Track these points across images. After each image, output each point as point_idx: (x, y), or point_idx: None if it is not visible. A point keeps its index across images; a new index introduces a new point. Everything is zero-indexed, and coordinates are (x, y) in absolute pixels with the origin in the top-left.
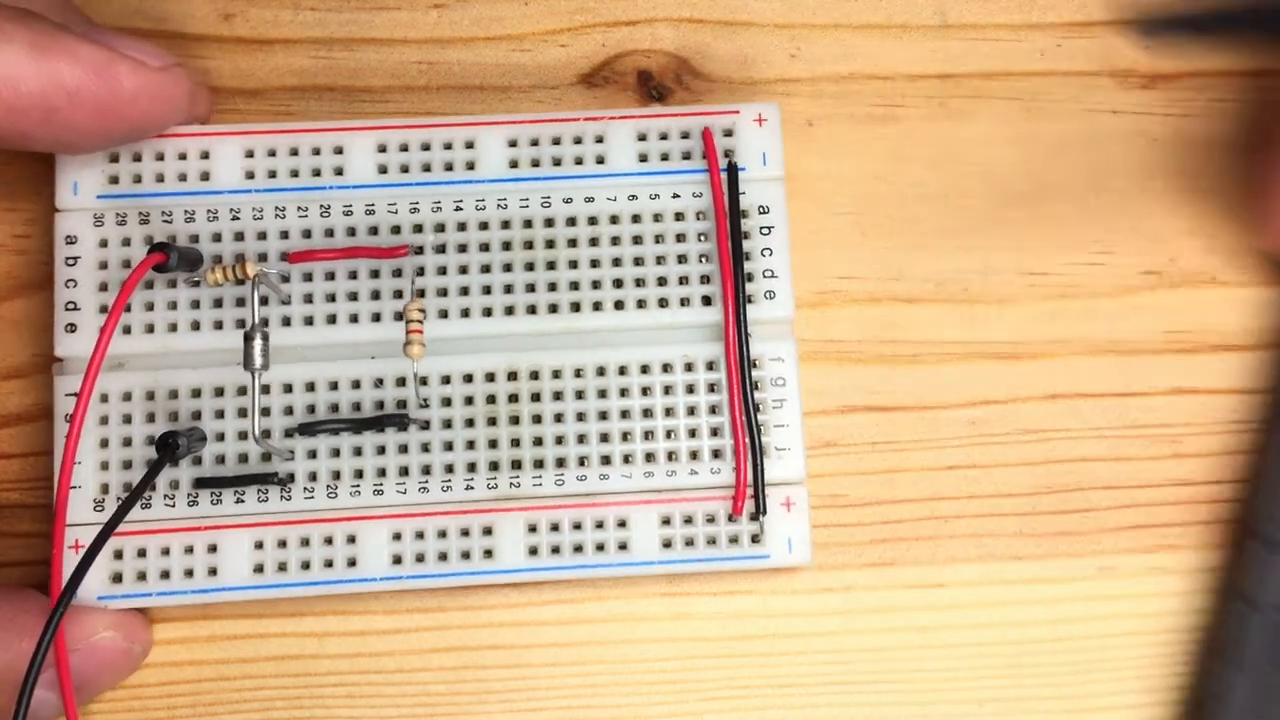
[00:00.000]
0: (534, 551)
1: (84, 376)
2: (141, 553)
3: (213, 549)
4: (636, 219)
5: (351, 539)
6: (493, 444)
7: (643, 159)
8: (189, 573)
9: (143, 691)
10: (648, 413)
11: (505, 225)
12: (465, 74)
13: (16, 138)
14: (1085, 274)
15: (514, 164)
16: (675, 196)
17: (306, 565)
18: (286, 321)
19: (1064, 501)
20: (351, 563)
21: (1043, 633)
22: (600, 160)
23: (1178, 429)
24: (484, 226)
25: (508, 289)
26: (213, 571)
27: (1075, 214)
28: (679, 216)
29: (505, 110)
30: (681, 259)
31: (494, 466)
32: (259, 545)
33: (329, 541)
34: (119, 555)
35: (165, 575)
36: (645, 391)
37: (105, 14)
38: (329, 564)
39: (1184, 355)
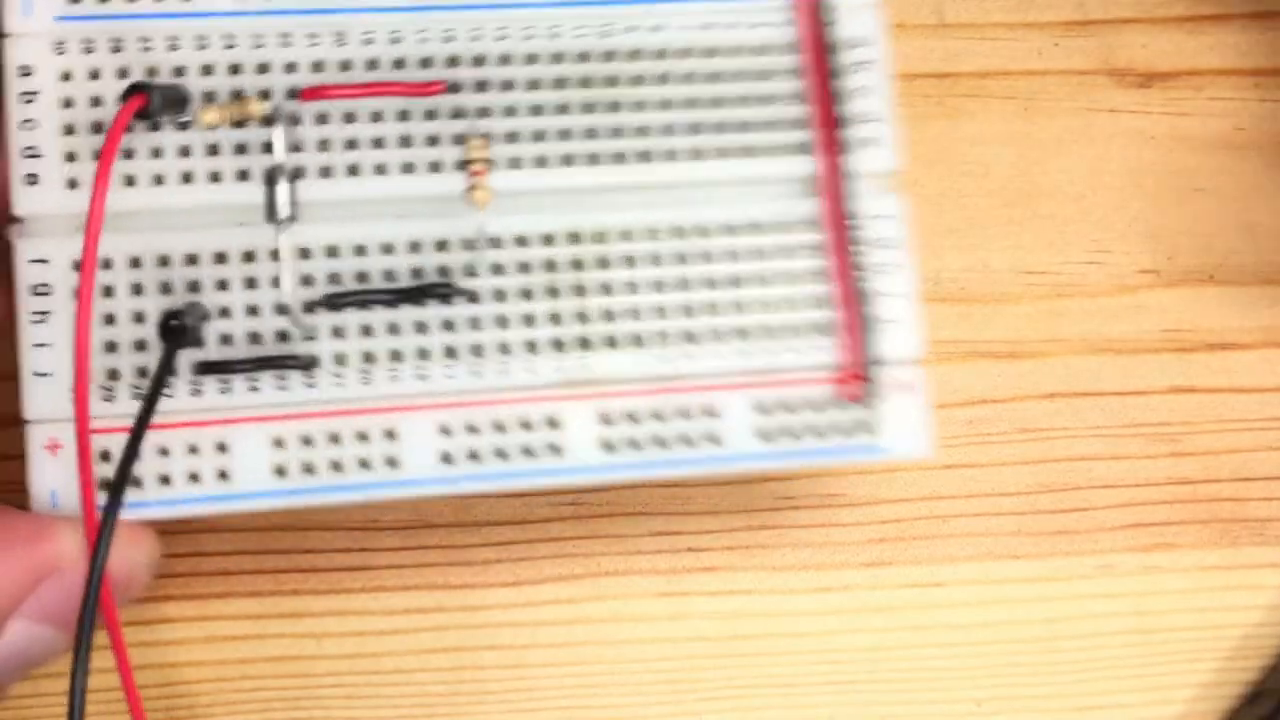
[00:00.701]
0: (609, 447)
1: (84, 246)
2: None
3: (222, 448)
4: (712, 53)
5: (390, 434)
6: (555, 319)
7: None
8: (194, 477)
9: (141, 693)
10: (736, 281)
11: (557, 59)
12: None
13: None
14: (1083, 273)
15: None
16: (756, 27)
17: (338, 466)
18: (299, 173)
19: (1062, 500)
20: (392, 463)
21: (1041, 632)
22: None
23: (1176, 428)
24: (532, 60)
25: (564, 134)
26: (223, 475)
27: (1073, 213)
28: (761, 51)
29: None
30: (766, 101)
31: (558, 346)
32: (279, 443)
33: (363, 438)
34: (105, 457)
35: (165, 480)
36: (732, 256)
37: None
38: (365, 464)
39: (1182, 354)
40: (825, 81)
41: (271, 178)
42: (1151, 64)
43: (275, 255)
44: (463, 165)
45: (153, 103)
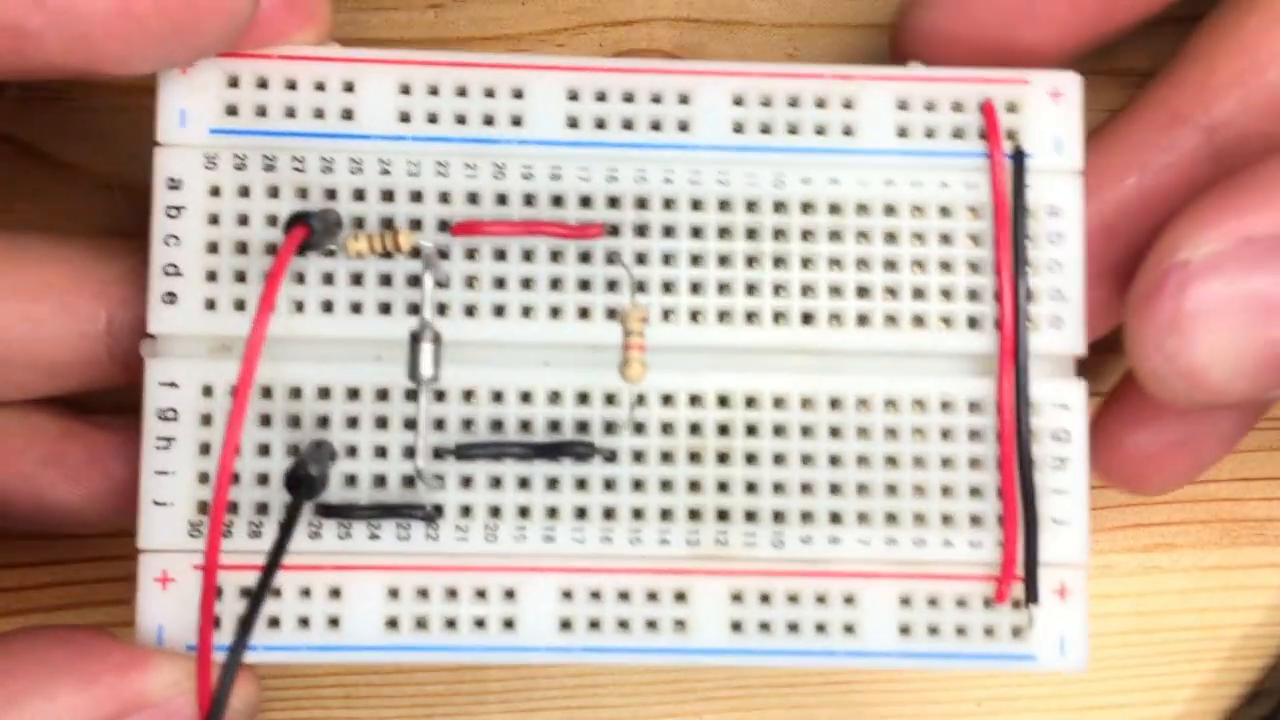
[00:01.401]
0: (738, 627)
1: (239, 378)
2: (245, 592)
3: (335, 594)
4: (891, 210)
5: (510, 594)
6: (695, 486)
7: (902, 133)
8: (304, 622)
9: None
10: (892, 461)
11: (724, 206)
12: None
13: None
14: None
15: (739, 128)
16: (943, 186)
17: (452, 624)
18: (442, 310)
19: None
20: (509, 624)
21: None
22: (848, 131)
23: None
24: (697, 206)
25: (723, 288)
26: (334, 622)
27: None
28: (945, 211)
29: None
30: (945, 266)
31: (695, 515)
32: (394, 594)
33: (481, 595)
34: (219, 594)
35: (275, 623)
36: (890, 434)
37: None
38: (480, 624)
39: None
40: (1013, 251)
41: (417, 336)
42: (1152, 65)
43: (412, 395)
44: (612, 314)
45: (314, 234)
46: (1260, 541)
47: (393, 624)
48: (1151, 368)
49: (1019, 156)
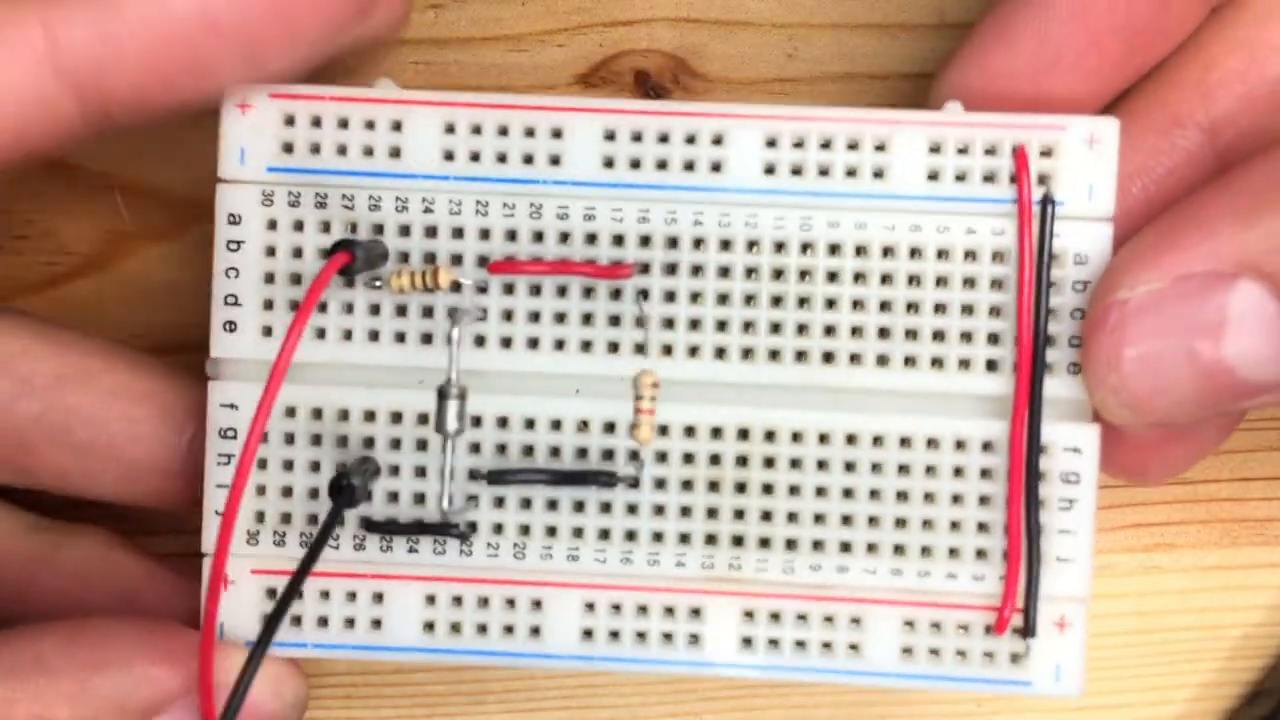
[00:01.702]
0: (748, 643)
1: (264, 393)
2: (298, 593)
3: (379, 599)
4: (916, 253)
5: (537, 604)
6: (712, 513)
7: (933, 177)
8: (350, 622)
9: None
10: (902, 496)
11: (752, 247)
12: (462, 74)
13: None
14: None
15: (770, 169)
16: (970, 232)
17: (483, 629)
18: (480, 341)
19: None
20: (535, 632)
21: None
22: (879, 174)
23: None
24: (726, 246)
25: (747, 326)
26: (376, 624)
27: None
28: (970, 256)
29: None
30: (967, 310)
31: (711, 540)
32: (431, 601)
33: (511, 604)
34: (271, 594)
35: (323, 623)
36: (903, 470)
37: None
38: (509, 630)
39: None
40: (1035, 297)
41: (444, 393)
42: None
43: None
44: (640, 350)
45: (356, 260)
46: (1260, 541)
47: (429, 627)
48: (1099, 399)
49: (1046, 203)
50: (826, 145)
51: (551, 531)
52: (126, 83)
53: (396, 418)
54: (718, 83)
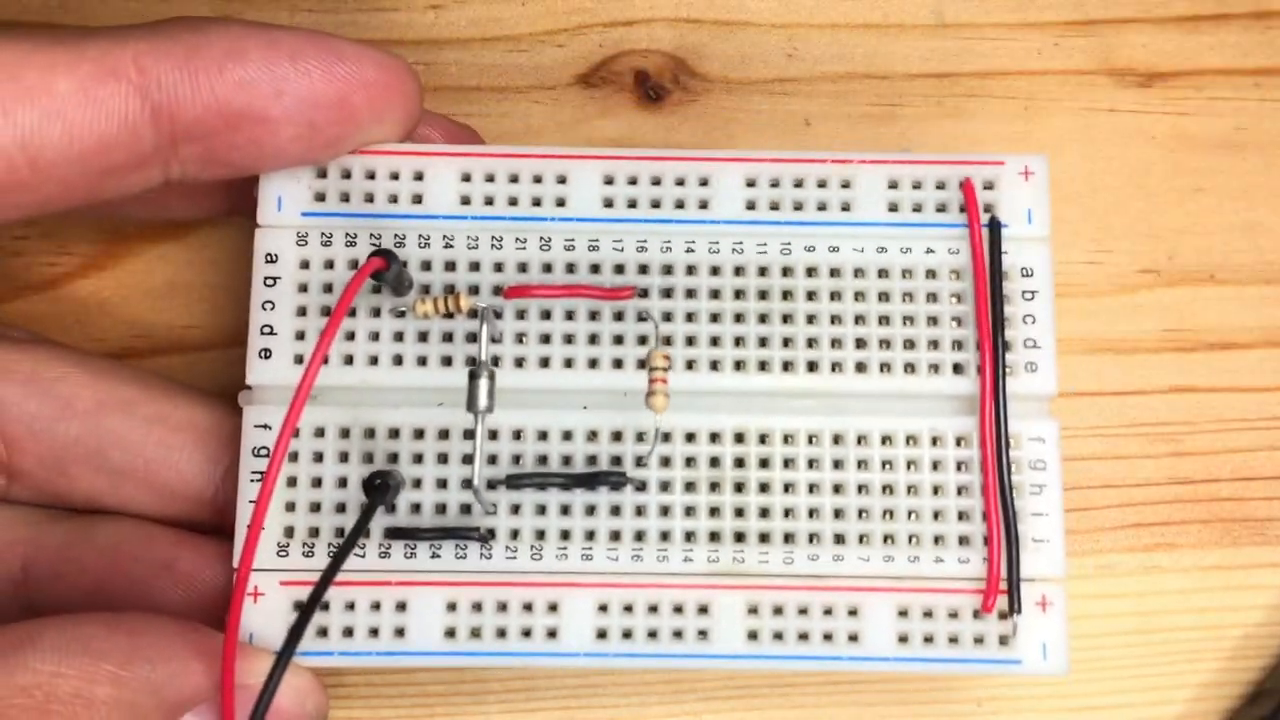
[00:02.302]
0: (754, 636)
1: (291, 403)
2: (324, 605)
3: (401, 607)
4: (884, 273)
5: (553, 607)
6: (714, 512)
7: (893, 208)
8: (374, 631)
9: None
10: (888, 489)
11: (739, 271)
12: (462, 75)
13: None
14: (1083, 272)
15: (751, 205)
16: (929, 252)
17: (503, 633)
18: (496, 362)
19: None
20: (552, 633)
21: None
22: (846, 207)
23: (1176, 427)
24: (715, 271)
25: (738, 341)
26: (399, 632)
27: (1073, 212)
28: (931, 274)
29: (501, 113)
30: (932, 321)
31: (715, 537)
32: (452, 607)
33: (528, 608)
34: (299, 606)
35: (348, 633)
36: (886, 465)
37: (100, 18)
38: (527, 633)
39: (1182, 353)
40: (991, 307)
41: (475, 374)
42: (1151, 64)
43: (469, 435)
44: (642, 365)
45: (390, 270)
46: (1261, 541)
47: (450, 633)
48: None
49: (995, 225)
50: (799, 184)
51: (565, 535)
52: (195, 115)
53: (419, 434)
54: (717, 83)
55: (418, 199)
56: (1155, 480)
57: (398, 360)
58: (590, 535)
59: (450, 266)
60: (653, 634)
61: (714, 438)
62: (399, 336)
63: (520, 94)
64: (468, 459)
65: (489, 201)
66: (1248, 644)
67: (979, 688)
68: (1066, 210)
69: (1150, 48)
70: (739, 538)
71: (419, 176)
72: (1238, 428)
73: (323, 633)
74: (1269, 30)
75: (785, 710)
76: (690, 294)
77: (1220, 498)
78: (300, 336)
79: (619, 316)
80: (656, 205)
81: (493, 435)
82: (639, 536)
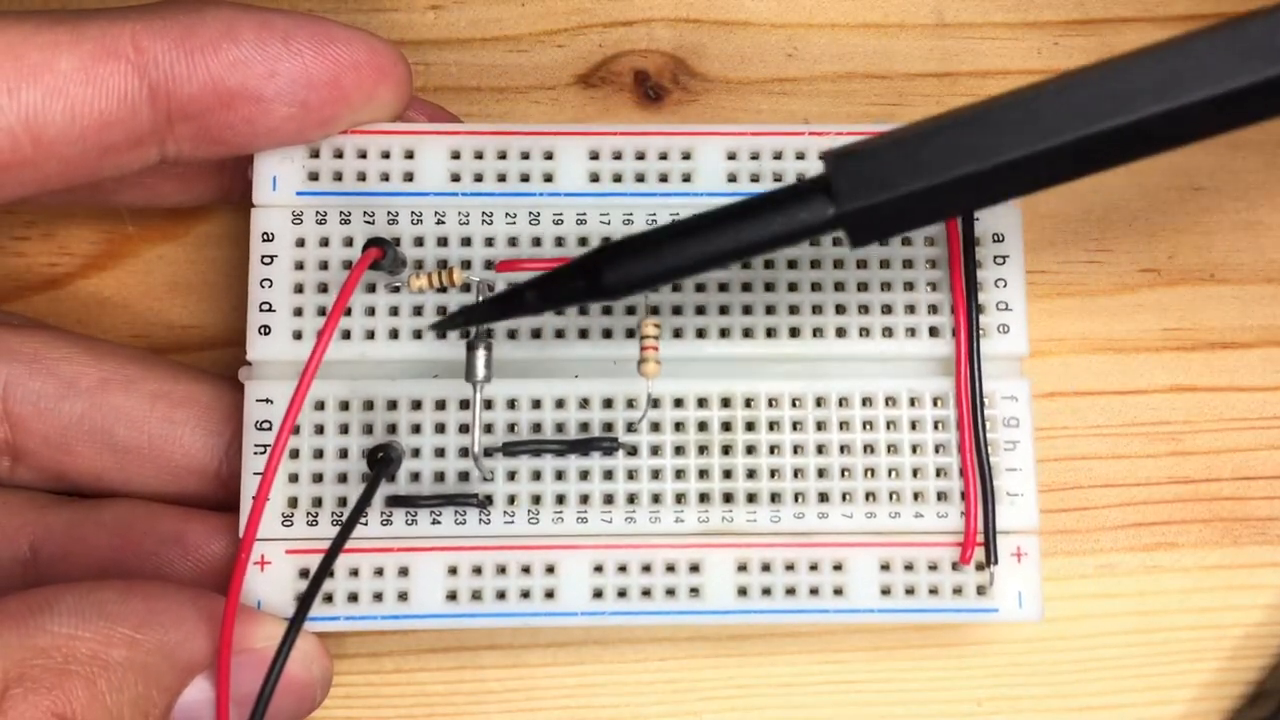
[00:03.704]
0: (743, 592)
1: (299, 383)
2: (330, 572)
3: (404, 572)
4: None
5: (550, 569)
6: (703, 474)
7: None
8: (378, 596)
9: None
10: (869, 449)
11: None
12: (462, 75)
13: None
14: (1083, 271)
15: (733, 178)
16: None
17: (502, 595)
18: (489, 334)
19: (1062, 500)
20: (549, 594)
21: (1041, 631)
22: None
23: (1177, 427)
24: None
25: (723, 310)
26: (403, 596)
27: (1073, 211)
28: (906, 241)
29: (501, 113)
30: (908, 286)
31: (704, 498)
32: (453, 571)
33: (527, 570)
34: (304, 573)
35: (353, 598)
36: (867, 426)
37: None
38: (526, 595)
39: (1182, 353)
40: (965, 272)
41: (472, 345)
42: None
43: (465, 405)
44: (631, 334)
45: (386, 257)
46: (1262, 541)
47: (452, 596)
48: None
49: None
50: (778, 156)
51: (561, 499)
52: (191, 93)
53: (416, 405)
54: (717, 83)
55: (409, 177)
56: (1156, 480)
57: (394, 334)
58: (585, 499)
59: (442, 242)
60: (646, 592)
61: (701, 403)
62: (394, 311)
63: (520, 94)
64: (465, 428)
65: (479, 178)
66: (1248, 644)
67: (979, 687)
68: (1065, 209)
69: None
70: (728, 498)
71: (410, 155)
72: (1238, 427)
73: (328, 599)
74: None
75: (785, 710)
76: None
77: (1221, 497)
78: (298, 313)
79: None
80: (641, 179)
81: (488, 405)
82: (631, 499)
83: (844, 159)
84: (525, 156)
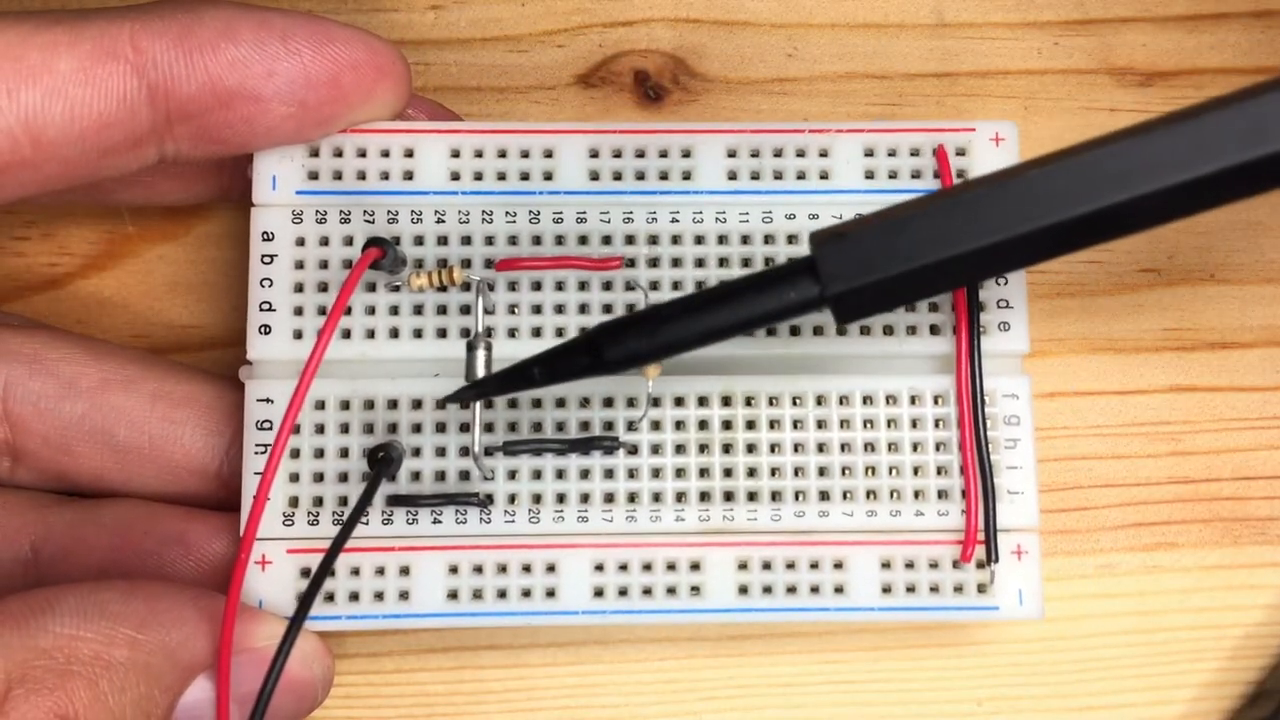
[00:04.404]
0: (744, 590)
1: (299, 382)
2: (331, 572)
3: (405, 571)
4: None
5: (551, 568)
6: (704, 473)
7: (869, 176)
8: (379, 595)
9: None
10: (870, 447)
11: (722, 240)
12: (462, 75)
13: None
14: (1083, 272)
15: (733, 175)
16: None
17: (503, 594)
18: (490, 333)
19: (1063, 500)
20: (550, 593)
21: (1041, 631)
22: (824, 176)
23: (1177, 427)
24: (700, 240)
25: None
26: (404, 595)
27: None
28: None
29: (501, 113)
30: None
31: (705, 497)
32: (454, 570)
33: (527, 569)
34: (305, 573)
35: (354, 597)
36: (867, 424)
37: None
38: (527, 594)
39: (1182, 353)
40: None
41: (472, 345)
42: (1152, 63)
43: (475, 411)
44: None
45: (386, 257)
46: (1262, 541)
47: (453, 595)
48: None
49: None
50: (779, 154)
51: (561, 498)
52: (189, 93)
53: (417, 404)
54: (717, 83)
55: (409, 176)
56: (1156, 480)
57: (394, 333)
58: (585, 498)
59: (442, 241)
60: (647, 591)
61: (702, 401)
62: (394, 310)
63: (520, 94)
64: (465, 427)
65: (478, 177)
66: (1248, 644)
67: (979, 687)
68: None
69: (1150, 47)
70: (728, 497)
71: (409, 154)
72: (1238, 427)
73: (329, 598)
74: (1269, 30)
75: (785, 710)
76: (676, 263)
77: (1221, 497)
78: (298, 312)
79: (607, 286)
80: (641, 177)
81: (489, 404)
82: (632, 498)
83: (828, 243)
84: (525, 155)
